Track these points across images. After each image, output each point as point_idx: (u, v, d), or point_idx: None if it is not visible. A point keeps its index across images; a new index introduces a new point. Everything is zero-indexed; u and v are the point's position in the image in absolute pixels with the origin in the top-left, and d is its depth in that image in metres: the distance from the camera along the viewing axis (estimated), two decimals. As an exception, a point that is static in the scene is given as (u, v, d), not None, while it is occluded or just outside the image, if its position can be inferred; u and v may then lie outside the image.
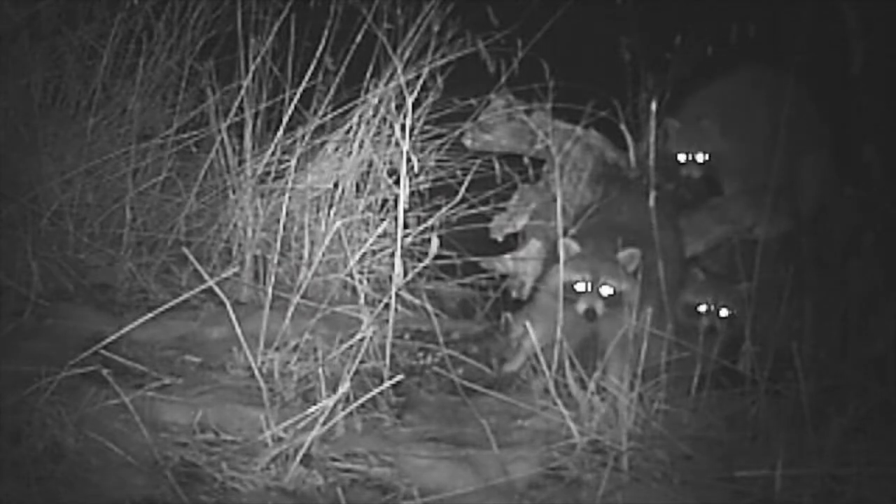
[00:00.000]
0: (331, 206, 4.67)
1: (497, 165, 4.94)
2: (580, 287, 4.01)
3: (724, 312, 4.40)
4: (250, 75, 4.63)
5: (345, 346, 3.87)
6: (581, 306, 3.99)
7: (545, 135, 4.91)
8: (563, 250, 4.04)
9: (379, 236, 4.48)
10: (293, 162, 4.57)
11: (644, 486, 3.38)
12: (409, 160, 3.91)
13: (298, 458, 3.30)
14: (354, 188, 4.73)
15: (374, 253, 4.60)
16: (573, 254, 4.04)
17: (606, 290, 4.01)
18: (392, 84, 4.65)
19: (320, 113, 4.71)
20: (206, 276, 3.63)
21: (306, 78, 4.61)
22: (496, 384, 4.06)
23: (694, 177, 4.91)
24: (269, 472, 3.29)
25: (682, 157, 4.88)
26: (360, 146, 4.72)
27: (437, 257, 4.08)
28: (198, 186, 4.67)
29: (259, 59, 4.64)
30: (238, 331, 3.58)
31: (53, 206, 4.44)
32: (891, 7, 4.64)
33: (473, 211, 4.89)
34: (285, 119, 4.60)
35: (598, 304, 3.99)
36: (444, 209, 4.82)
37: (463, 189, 4.83)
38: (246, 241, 4.57)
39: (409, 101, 3.99)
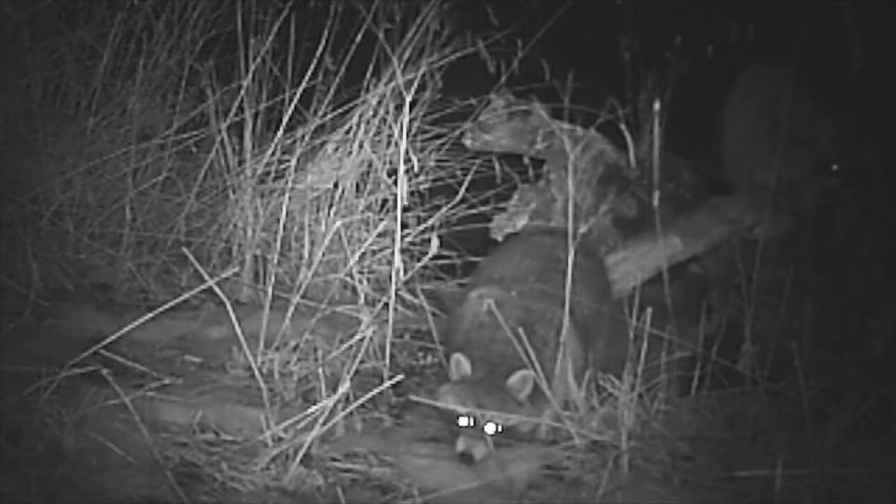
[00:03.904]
0: (331, 206, 4.67)
1: (497, 165, 4.94)
2: (462, 422, 3.58)
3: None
4: (250, 75, 4.63)
5: (345, 346, 3.87)
6: (459, 446, 3.55)
7: (545, 135, 4.91)
8: (455, 367, 3.66)
9: (378, 236, 4.48)
10: (293, 162, 4.57)
11: (644, 486, 3.38)
12: (408, 160, 3.91)
13: (298, 458, 3.30)
14: (354, 188, 4.73)
15: (373, 253, 4.60)
16: (463, 373, 3.64)
17: (491, 429, 3.57)
18: (392, 84, 4.65)
19: (320, 113, 4.71)
20: (206, 276, 3.63)
21: (306, 78, 4.61)
22: None
23: None
24: (269, 472, 3.29)
25: None
26: (360, 146, 4.72)
27: (436, 257, 4.08)
28: (198, 186, 4.66)
29: (259, 59, 4.64)
30: (238, 331, 3.58)
31: (53, 206, 4.44)
32: (891, 7, 4.64)
33: (473, 211, 4.89)
34: (285, 119, 4.60)
35: (478, 446, 3.53)
36: (444, 209, 4.82)
37: (463, 189, 4.83)
38: (246, 241, 4.57)
39: (409, 101, 3.99)
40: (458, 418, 3.59)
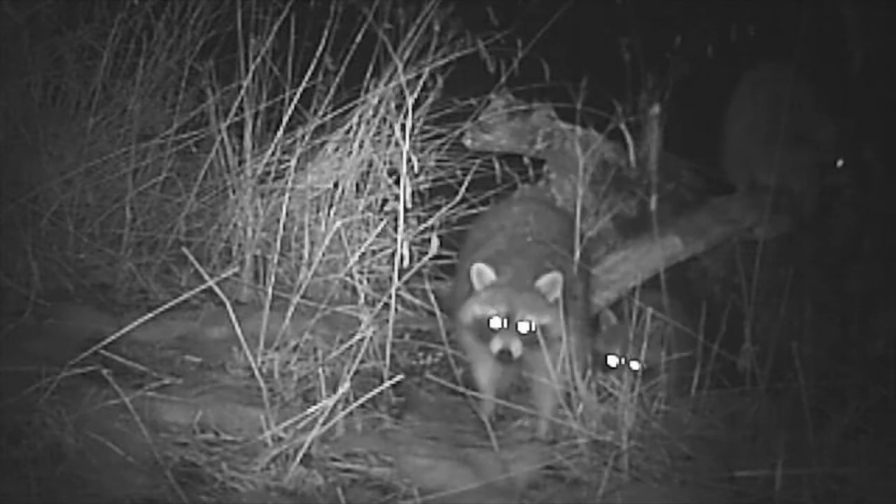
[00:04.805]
0: (331, 206, 4.67)
1: (497, 165, 4.94)
2: (495, 323, 3.55)
3: (634, 365, 4.01)
4: (250, 75, 4.63)
5: (345, 346, 3.87)
6: (495, 346, 3.53)
7: (545, 135, 4.91)
8: (477, 278, 3.59)
9: (378, 236, 4.48)
10: (293, 162, 4.57)
11: (644, 486, 3.38)
12: (409, 160, 3.91)
13: (298, 458, 3.30)
14: (354, 188, 4.73)
15: (373, 253, 4.60)
16: (487, 282, 3.58)
17: (524, 327, 3.54)
18: (392, 84, 4.65)
19: (320, 113, 4.71)
20: (206, 276, 3.63)
21: (306, 78, 4.61)
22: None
23: None
24: (269, 472, 3.29)
25: None
26: (360, 146, 4.72)
27: (436, 257, 4.08)
28: (198, 186, 4.66)
29: (259, 59, 4.64)
30: (238, 331, 3.58)
31: (53, 206, 4.44)
32: (891, 7, 4.65)
33: (473, 211, 4.89)
34: (285, 119, 4.60)
35: (514, 343, 3.52)
36: (444, 209, 4.82)
37: (463, 189, 4.83)
38: (246, 241, 4.57)
39: (410, 101, 3.99)
40: (489, 321, 3.52)
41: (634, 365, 4.05)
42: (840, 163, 4.83)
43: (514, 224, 3.87)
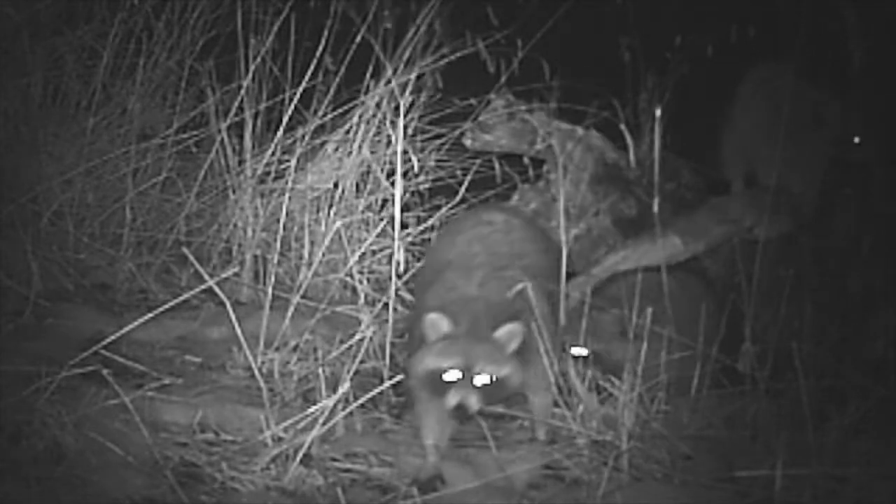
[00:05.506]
0: (331, 206, 4.67)
1: (497, 165, 4.94)
2: (450, 377, 3.27)
3: (576, 351, 3.72)
4: (250, 75, 4.63)
5: (345, 346, 3.87)
6: (451, 400, 3.25)
7: (546, 135, 4.91)
8: (431, 329, 3.32)
9: (378, 236, 4.48)
10: (293, 162, 4.57)
11: (644, 486, 3.38)
12: (408, 160, 3.91)
13: (298, 458, 3.30)
14: (354, 188, 4.73)
15: (373, 253, 4.60)
16: (442, 332, 3.32)
17: (481, 380, 3.27)
18: (392, 84, 4.64)
19: (320, 113, 4.71)
20: (206, 276, 3.64)
21: (306, 78, 4.61)
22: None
23: None
24: (269, 472, 3.30)
25: None
26: (360, 146, 4.72)
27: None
28: (198, 186, 4.67)
29: (259, 59, 4.64)
30: (238, 331, 3.58)
31: (53, 206, 4.44)
32: (891, 7, 4.65)
33: (473, 211, 4.89)
34: (285, 119, 4.60)
35: (471, 398, 3.25)
36: (444, 209, 4.82)
37: (463, 189, 4.83)
38: (246, 241, 4.57)
39: (408, 101, 3.99)
40: (442, 375, 3.28)
41: (576, 351, 3.88)
42: (857, 139, 4.77)
43: (470, 255, 3.64)
